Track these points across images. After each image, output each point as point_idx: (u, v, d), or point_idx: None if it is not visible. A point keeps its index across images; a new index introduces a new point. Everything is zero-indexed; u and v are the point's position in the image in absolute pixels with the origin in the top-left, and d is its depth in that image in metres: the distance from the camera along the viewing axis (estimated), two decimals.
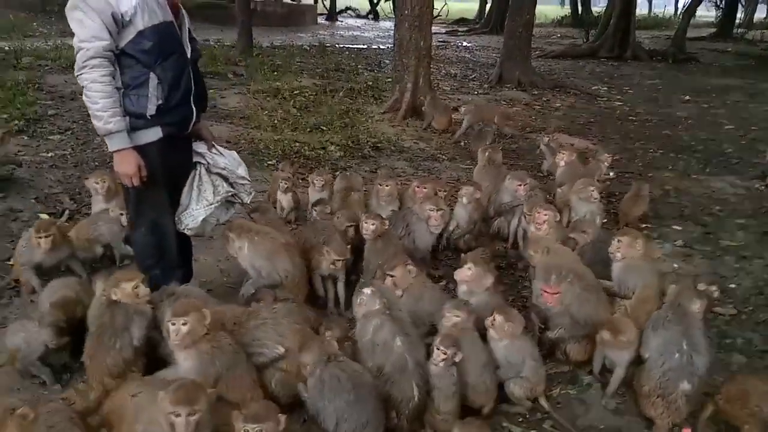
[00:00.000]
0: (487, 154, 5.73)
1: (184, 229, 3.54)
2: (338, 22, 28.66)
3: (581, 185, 4.85)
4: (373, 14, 31.67)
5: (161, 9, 3.15)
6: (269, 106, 9.02)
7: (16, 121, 6.83)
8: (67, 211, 5.16)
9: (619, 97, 12.38)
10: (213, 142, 3.73)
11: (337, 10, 30.68)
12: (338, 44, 18.36)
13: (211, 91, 9.62)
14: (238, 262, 3.84)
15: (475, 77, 13.68)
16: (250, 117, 8.21)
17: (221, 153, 3.75)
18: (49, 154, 6.29)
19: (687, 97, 12.33)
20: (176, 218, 3.51)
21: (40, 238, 3.84)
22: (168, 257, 3.47)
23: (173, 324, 2.76)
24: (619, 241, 3.62)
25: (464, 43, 22.15)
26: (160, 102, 3.19)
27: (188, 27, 3.42)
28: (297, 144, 7.03)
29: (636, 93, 12.89)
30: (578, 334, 3.35)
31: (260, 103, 9.14)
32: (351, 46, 18.34)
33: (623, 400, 3.22)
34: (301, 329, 3.10)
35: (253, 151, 6.81)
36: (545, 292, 3.29)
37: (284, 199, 5.30)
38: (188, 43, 3.38)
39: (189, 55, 3.36)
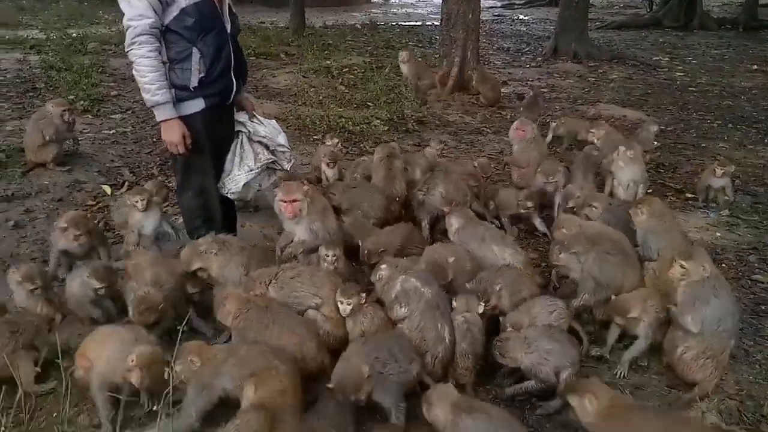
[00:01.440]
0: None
1: (227, 193, 3.76)
2: (392, 0, 28.49)
3: (622, 150, 4.76)
4: None
5: None
6: (318, 84, 9.21)
7: (82, 102, 7.29)
8: (126, 183, 5.52)
9: (680, 67, 11.85)
10: (254, 112, 3.93)
11: None
12: (390, 22, 18.33)
13: (263, 70, 9.99)
14: (280, 228, 3.98)
15: (528, 50, 13.39)
16: (298, 94, 8.42)
17: (262, 122, 3.94)
18: (111, 132, 6.71)
19: (755, 67, 11.66)
20: (220, 183, 3.73)
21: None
22: (213, 219, 3.71)
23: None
24: (637, 206, 3.63)
25: (521, 17, 21.59)
26: (202, 75, 3.39)
27: (228, 3, 3.59)
28: (342, 119, 7.17)
29: (699, 63, 12.29)
30: (603, 298, 3.35)
31: (309, 82, 9.34)
32: (403, 23, 18.26)
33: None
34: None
35: (300, 127, 7.01)
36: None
37: (329, 172, 5.43)
38: (228, 19, 3.56)
39: (229, 30, 3.54)
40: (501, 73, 10.87)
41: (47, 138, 5.35)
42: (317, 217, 3.65)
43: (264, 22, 16.03)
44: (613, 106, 8.64)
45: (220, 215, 3.75)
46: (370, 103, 8.20)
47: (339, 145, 5.41)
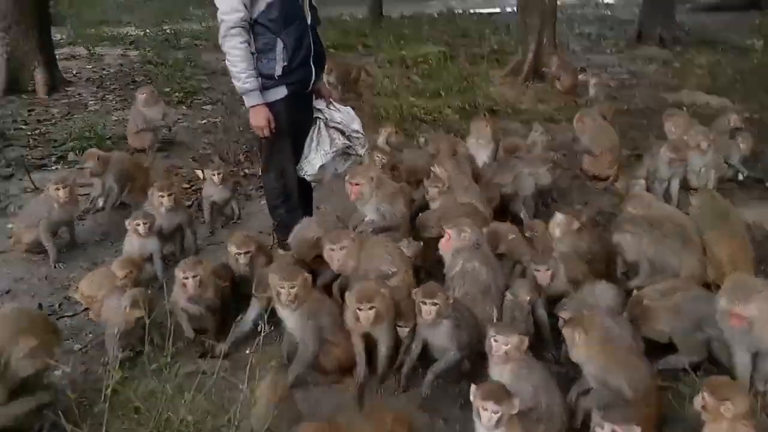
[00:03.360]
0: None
1: (304, 175, 4.07)
2: None
3: (693, 137, 4.69)
4: None
5: None
6: (393, 74, 9.44)
7: (177, 93, 7.92)
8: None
9: None
10: (331, 99, 4.22)
11: None
12: (468, 10, 18.25)
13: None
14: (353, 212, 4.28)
15: (611, 36, 13.01)
16: (372, 85, 8.69)
17: (338, 109, 4.22)
18: (203, 122, 7.27)
19: None
20: (298, 166, 4.05)
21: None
22: (291, 199, 4.04)
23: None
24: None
25: (606, 0, 20.84)
26: (285, 64, 3.71)
27: None
28: (415, 108, 7.38)
29: None
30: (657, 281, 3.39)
31: (385, 72, 9.60)
32: (482, 10, 18.13)
33: None
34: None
35: (374, 116, 7.27)
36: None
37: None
38: (309, 12, 3.85)
39: (309, 22, 3.84)
40: (580, 59, 10.66)
41: (140, 126, 5.91)
42: (386, 199, 3.90)
43: (343, 14, 16.43)
44: (697, 92, 8.31)
45: (298, 196, 4.06)
46: (443, 93, 8.35)
47: (393, 134, 5.53)
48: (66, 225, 4.36)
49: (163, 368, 2.81)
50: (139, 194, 4.87)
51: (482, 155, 5.15)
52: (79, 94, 8.15)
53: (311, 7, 3.89)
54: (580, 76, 8.67)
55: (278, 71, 3.70)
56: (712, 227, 3.68)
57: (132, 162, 5.16)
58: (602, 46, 11.91)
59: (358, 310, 2.98)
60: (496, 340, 2.65)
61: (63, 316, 3.52)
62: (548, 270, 3.38)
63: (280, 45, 3.67)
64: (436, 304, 2.93)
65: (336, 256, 3.41)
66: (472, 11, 17.57)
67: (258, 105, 3.71)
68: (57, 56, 9.26)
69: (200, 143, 6.58)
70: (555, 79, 8.52)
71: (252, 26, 3.66)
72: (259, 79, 3.70)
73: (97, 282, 3.54)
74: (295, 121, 3.91)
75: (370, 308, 2.98)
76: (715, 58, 10.59)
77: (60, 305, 3.64)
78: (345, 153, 4.27)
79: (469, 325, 3.08)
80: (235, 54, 3.60)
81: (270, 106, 3.75)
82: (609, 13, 17.02)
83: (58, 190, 4.10)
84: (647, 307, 3.07)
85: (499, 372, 2.69)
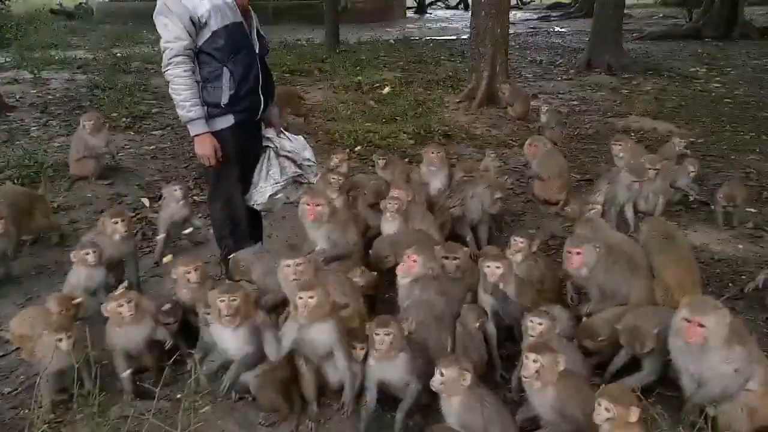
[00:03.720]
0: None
1: (253, 204, 3.97)
2: (428, 15, 28.79)
3: (639, 164, 4.80)
4: (464, 4, 31.34)
5: (231, 11, 3.57)
6: (349, 99, 9.43)
7: (124, 119, 7.69)
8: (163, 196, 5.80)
9: (718, 78, 11.64)
10: (281, 129, 4.14)
11: (427, 3, 30.77)
12: (425, 37, 18.55)
13: (297, 86, 10.27)
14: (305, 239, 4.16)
15: (561, 63, 13.38)
16: (328, 110, 8.66)
17: (288, 138, 4.15)
18: (151, 147, 7.06)
19: None
20: (247, 195, 3.94)
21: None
22: (240, 229, 3.92)
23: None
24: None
25: (556, 29, 21.52)
26: (232, 92, 3.63)
27: (256, 26, 3.82)
28: (370, 133, 7.37)
29: (738, 75, 12.04)
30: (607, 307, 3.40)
31: (340, 97, 9.58)
32: (437, 37, 18.46)
33: None
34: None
35: (329, 141, 7.23)
36: (569, 252, 3.40)
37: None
38: (257, 40, 3.79)
39: (257, 51, 3.77)
40: (532, 86, 10.90)
41: (83, 153, 5.69)
42: (338, 227, 3.82)
43: (300, 40, 16.45)
44: (644, 118, 8.59)
45: (246, 226, 3.94)
46: (398, 118, 8.37)
47: (346, 162, 5.36)
48: None
49: (95, 412, 2.62)
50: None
51: (435, 182, 5.12)
52: (21, 119, 7.81)
53: (260, 36, 3.83)
54: (532, 103, 8.86)
55: (224, 100, 3.61)
56: (660, 252, 3.74)
57: (23, 194, 4.80)
58: (553, 72, 12.23)
59: (298, 299, 2.88)
60: (441, 374, 2.59)
61: None
62: (498, 267, 3.33)
63: (227, 74, 3.59)
64: (389, 333, 2.84)
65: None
66: (427, 38, 17.87)
67: (202, 134, 3.60)
68: (0, 80, 8.94)
69: (147, 169, 6.38)
70: (508, 105, 8.66)
71: (197, 54, 3.58)
72: (205, 107, 3.61)
73: (30, 321, 3.33)
74: (242, 150, 3.81)
75: (310, 297, 2.87)
76: (661, 85, 11.00)
77: None
78: (296, 182, 4.19)
79: (424, 355, 3.01)
80: (179, 83, 3.51)
81: (216, 134, 3.65)
82: (560, 41, 17.56)
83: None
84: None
85: (447, 404, 2.65)
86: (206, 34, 3.53)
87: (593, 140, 7.65)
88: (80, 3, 24.47)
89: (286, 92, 7.96)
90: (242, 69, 3.64)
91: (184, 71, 3.50)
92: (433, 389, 2.64)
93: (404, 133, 7.64)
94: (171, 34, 3.46)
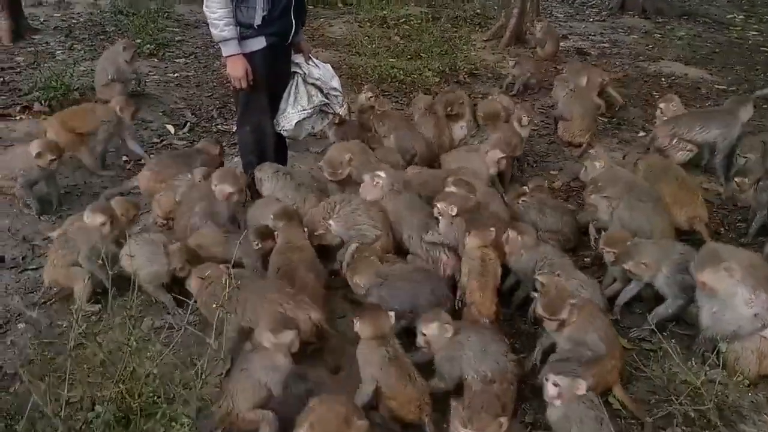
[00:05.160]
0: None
1: (280, 130, 3.99)
2: None
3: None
4: None
5: None
6: (374, 34, 9.23)
7: (148, 45, 7.64)
8: (188, 123, 5.84)
9: (756, 26, 11.14)
10: (309, 55, 4.10)
11: None
12: None
13: (320, 19, 10.08)
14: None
15: (594, 4, 12.88)
16: (352, 44, 8.50)
17: (317, 65, 4.12)
18: (175, 75, 7.03)
19: None
20: (275, 121, 3.96)
21: None
22: (266, 154, 3.97)
23: None
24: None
25: None
26: (265, 13, 3.59)
27: None
28: (394, 69, 7.25)
29: None
30: None
31: (365, 31, 9.38)
32: None
33: None
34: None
35: (352, 76, 7.13)
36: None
37: None
38: None
39: None
40: (562, 26, 10.55)
41: (110, 77, 5.71)
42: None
43: None
44: (675, 63, 8.33)
45: (273, 152, 3.98)
46: (423, 54, 8.21)
47: (374, 98, 5.30)
48: (45, 179, 4.06)
49: (128, 322, 2.76)
50: None
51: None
52: (46, 42, 7.79)
53: None
54: (562, 44, 8.62)
55: (257, 21, 3.59)
56: (657, 181, 3.86)
57: None
58: (585, 14, 11.80)
59: None
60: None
61: (26, 269, 3.40)
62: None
63: None
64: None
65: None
66: None
67: (235, 55, 3.59)
68: (23, 3, 8.84)
69: (171, 97, 6.39)
70: (538, 45, 8.43)
71: None
72: (238, 28, 3.58)
73: None
74: (273, 74, 3.81)
75: None
76: (696, 31, 10.58)
77: (24, 258, 3.51)
78: (322, 111, 4.20)
79: None
80: (214, 1, 3.47)
81: (248, 56, 3.65)
82: None
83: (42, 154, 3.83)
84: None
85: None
86: None
87: (622, 84, 7.45)
88: None
89: None
90: None
91: None
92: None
93: (429, 70, 7.51)
94: None
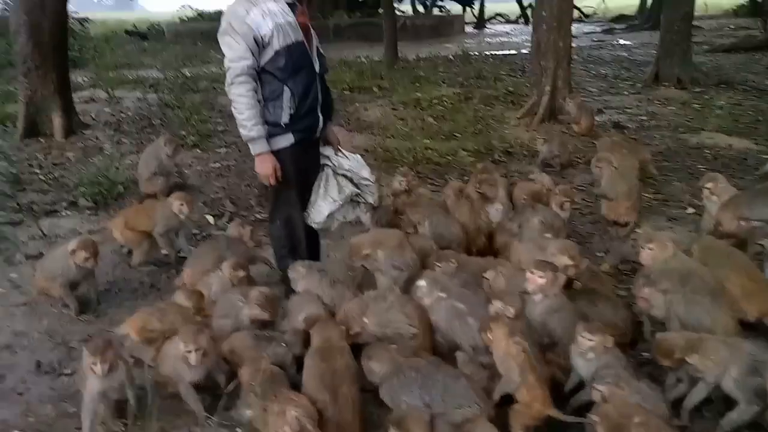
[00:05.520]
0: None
1: (311, 223, 3.97)
2: (487, 29, 28.63)
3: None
4: (524, 18, 31.05)
5: (293, 30, 3.62)
6: (407, 116, 9.42)
7: (192, 137, 7.95)
8: (228, 214, 5.93)
9: None
10: (339, 147, 4.14)
11: (486, 18, 30.64)
12: (484, 52, 18.41)
13: (356, 104, 10.38)
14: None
15: (628, 77, 12.96)
16: (387, 127, 8.66)
17: (346, 156, 4.13)
18: (216, 165, 7.25)
19: None
20: (305, 213, 3.95)
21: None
22: (298, 248, 3.94)
23: None
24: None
25: (621, 42, 20.94)
26: (292, 111, 3.66)
27: (316, 45, 3.85)
28: (429, 150, 7.31)
29: None
30: None
31: (399, 114, 9.58)
32: (496, 52, 18.28)
33: None
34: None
35: (387, 159, 7.20)
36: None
37: None
38: (317, 59, 3.81)
39: (317, 70, 3.80)
40: (597, 100, 10.59)
41: (153, 171, 5.90)
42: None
43: (359, 57, 16.65)
44: (718, 134, 8.14)
45: (305, 245, 3.95)
46: (457, 134, 8.29)
47: (407, 182, 5.21)
48: (84, 278, 4.05)
49: None
50: None
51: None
52: (95, 137, 8.22)
53: (320, 55, 3.86)
54: (597, 118, 8.58)
55: (285, 119, 3.65)
56: (719, 266, 3.59)
57: None
58: (619, 87, 11.83)
59: None
60: None
61: (62, 374, 3.36)
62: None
63: (287, 93, 3.62)
64: None
65: None
66: (487, 53, 17.70)
67: (264, 153, 3.64)
68: (77, 99, 9.43)
69: (212, 187, 6.54)
70: (575, 122, 8.39)
71: (259, 74, 3.62)
72: (266, 126, 3.64)
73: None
74: (302, 169, 3.84)
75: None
76: (736, 99, 10.44)
77: (60, 362, 3.48)
78: (354, 201, 4.18)
79: None
80: (241, 102, 3.56)
81: (276, 153, 3.69)
82: (626, 54, 17.03)
83: (76, 252, 3.87)
84: None
85: None
86: (269, 54, 3.58)
87: (665, 157, 7.29)
88: (153, 24, 25.77)
89: None
90: (302, 88, 3.66)
91: (247, 90, 3.55)
92: None
93: (464, 150, 7.55)
94: (235, 53, 3.52)
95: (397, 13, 27.42)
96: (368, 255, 3.77)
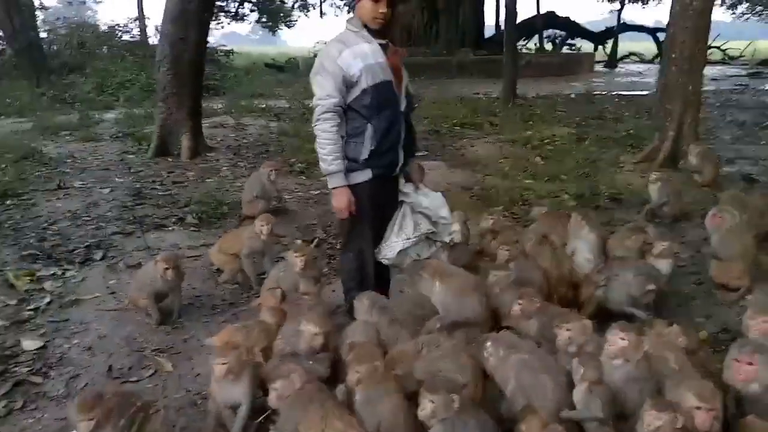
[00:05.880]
0: None
1: (381, 259, 3.97)
2: (618, 69, 27.45)
3: None
4: (660, 58, 29.36)
5: (383, 70, 3.70)
6: (513, 155, 9.22)
7: (300, 164, 8.35)
8: (317, 239, 6.12)
9: None
10: (420, 184, 4.13)
11: (619, 57, 29.41)
12: (611, 91, 17.65)
13: (464, 140, 10.37)
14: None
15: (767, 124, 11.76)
16: (489, 165, 8.52)
17: (426, 194, 4.11)
18: (317, 192, 7.54)
19: None
20: (377, 249, 3.97)
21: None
22: (366, 282, 3.95)
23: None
24: None
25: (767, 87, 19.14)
26: (373, 148, 3.72)
27: (406, 84, 3.90)
28: (528, 191, 7.07)
29: None
30: None
31: (505, 152, 9.40)
32: (624, 92, 17.46)
33: None
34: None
35: (483, 197, 7.06)
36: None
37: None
38: (404, 98, 3.86)
39: (402, 109, 3.84)
40: (729, 149, 9.68)
41: (255, 194, 6.25)
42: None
43: (478, 93, 16.68)
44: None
45: (373, 279, 3.95)
46: (563, 176, 7.95)
47: (495, 222, 5.23)
48: (170, 290, 4.33)
49: None
50: None
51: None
52: (216, 159, 8.92)
53: (407, 93, 3.91)
54: (726, 168, 7.83)
55: (365, 155, 3.72)
56: None
57: None
58: (757, 135, 10.74)
59: None
60: None
61: (127, 381, 3.58)
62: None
63: (369, 130, 3.70)
64: None
65: None
66: (613, 93, 16.95)
67: (340, 187, 3.73)
68: (208, 124, 10.35)
69: (309, 213, 6.79)
70: (697, 171, 7.72)
71: (345, 111, 3.73)
72: (345, 162, 3.73)
73: None
74: (378, 205, 3.87)
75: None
76: None
77: (130, 368, 3.71)
78: (429, 239, 4.13)
79: None
80: (325, 137, 3.68)
81: (353, 188, 3.76)
82: None
83: (158, 264, 4.16)
84: None
85: None
86: (356, 92, 3.68)
87: None
88: (291, 58, 27.70)
89: None
90: (386, 125, 3.72)
91: (331, 126, 3.66)
92: None
93: (566, 193, 7.21)
94: (324, 91, 3.66)
95: (524, 51, 27.29)
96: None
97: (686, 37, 8.18)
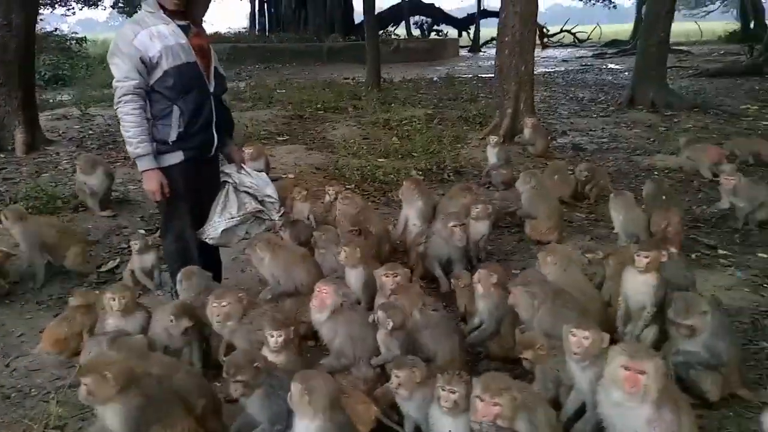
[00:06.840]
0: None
1: (206, 239, 3.99)
2: (481, 53, 28.89)
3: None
4: None
5: (184, 52, 3.68)
6: (372, 136, 9.49)
7: None
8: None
9: None
10: (242, 164, 4.18)
11: (482, 42, 30.94)
12: (472, 74, 18.58)
13: (326, 123, 10.47)
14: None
15: (604, 100, 13.02)
16: (347, 146, 8.71)
17: (249, 174, 4.18)
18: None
19: None
20: (201, 230, 3.97)
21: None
22: (190, 264, 3.93)
23: None
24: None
25: (610, 66, 21.10)
26: (181, 130, 3.70)
27: (215, 65, 3.91)
28: (378, 169, 7.34)
29: None
30: None
31: (364, 134, 9.65)
32: (483, 75, 18.43)
33: None
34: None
35: (336, 176, 7.24)
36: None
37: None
38: (213, 79, 3.87)
39: (212, 90, 3.85)
40: (564, 122, 10.64)
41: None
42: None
43: (347, 78, 16.85)
44: (671, 157, 8.12)
45: (197, 261, 3.94)
46: (415, 154, 8.33)
47: (337, 195, 5.44)
48: None
49: None
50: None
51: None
52: (56, 153, 8.32)
53: (217, 74, 3.92)
54: (560, 139, 8.62)
55: (173, 137, 3.70)
56: None
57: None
58: (590, 110, 11.87)
59: None
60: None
61: None
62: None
63: (176, 112, 3.68)
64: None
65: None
66: (473, 76, 17.85)
67: (150, 170, 3.68)
68: (50, 116, 9.59)
69: (152, 202, 6.56)
70: (530, 144, 8.43)
71: (149, 93, 3.68)
72: (153, 144, 3.69)
73: None
74: (194, 186, 3.87)
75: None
76: (704, 122, 10.42)
77: None
78: (257, 218, 4.20)
79: None
80: (128, 120, 3.62)
81: (165, 170, 3.73)
82: (610, 78, 17.12)
83: None
84: None
85: None
86: (158, 74, 3.64)
87: (613, 178, 7.27)
88: None
89: None
90: (193, 107, 3.72)
91: (133, 109, 3.60)
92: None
93: (415, 168, 7.58)
94: (122, 73, 3.60)
95: (393, 36, 27.92)
96: None
97: (516, 22, 8.84)
